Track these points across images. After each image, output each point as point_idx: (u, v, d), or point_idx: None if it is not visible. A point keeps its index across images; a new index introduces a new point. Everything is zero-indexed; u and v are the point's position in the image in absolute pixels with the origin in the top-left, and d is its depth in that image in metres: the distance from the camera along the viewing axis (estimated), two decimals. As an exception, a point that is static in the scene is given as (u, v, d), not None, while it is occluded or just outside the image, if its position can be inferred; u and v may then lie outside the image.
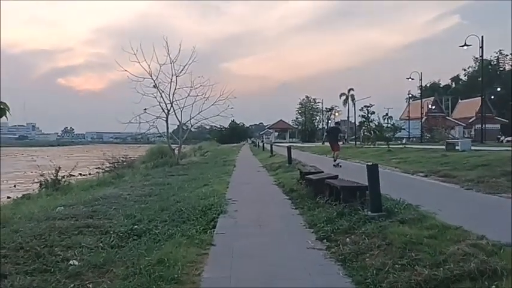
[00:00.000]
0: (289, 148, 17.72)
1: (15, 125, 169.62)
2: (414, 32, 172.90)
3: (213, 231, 6.19)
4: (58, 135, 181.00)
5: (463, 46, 23.21)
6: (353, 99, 78.87)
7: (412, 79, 44.97)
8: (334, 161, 16.18)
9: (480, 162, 12.15)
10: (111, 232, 6.30)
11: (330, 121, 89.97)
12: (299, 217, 7.05)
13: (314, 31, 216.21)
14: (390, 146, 21.94)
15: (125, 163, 26.32)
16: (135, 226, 6.54)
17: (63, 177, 16.51)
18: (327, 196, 7.53)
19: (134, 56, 22.58)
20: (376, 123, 24.90)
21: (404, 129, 31.62)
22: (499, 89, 65.06)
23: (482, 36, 25.01)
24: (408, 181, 11.31)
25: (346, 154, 22.83)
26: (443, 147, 18.79)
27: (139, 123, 23.48)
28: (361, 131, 63.77)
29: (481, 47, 24.77)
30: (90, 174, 26.01)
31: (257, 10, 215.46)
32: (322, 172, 9.91)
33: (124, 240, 5.84)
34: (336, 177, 8.47)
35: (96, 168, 25.32)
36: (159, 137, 30.08)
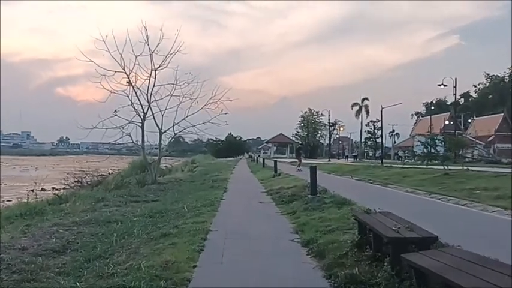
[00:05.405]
0: (313, 169, 10.97)
1: (10, 133, 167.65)
2: (414, 50, 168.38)
3: None
4: (53, 145, 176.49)
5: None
6: (367, 110, 73.95)
7: (445, 85, 40.43)
8: (298, 166, 24.16)
9: None
10: None
11: (334, 136, 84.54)
12: None
13: (314, 47, 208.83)
14: (448, 168, 16.54)
15: (95, 178, 21.79)
16: None
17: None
18: None
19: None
20: (430, 138, 19.39)
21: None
22: None
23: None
24: None
25: (380, 177, 17.37)
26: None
27: (106, 129, 18.18)
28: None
29: None
30: (64, 188, 21.31)
31: (257, 25, 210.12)
32: (435, 237, 4.38)
33: None
34: None
35: (75, 181, 20.91)
36: (156, 149, 23.16)
